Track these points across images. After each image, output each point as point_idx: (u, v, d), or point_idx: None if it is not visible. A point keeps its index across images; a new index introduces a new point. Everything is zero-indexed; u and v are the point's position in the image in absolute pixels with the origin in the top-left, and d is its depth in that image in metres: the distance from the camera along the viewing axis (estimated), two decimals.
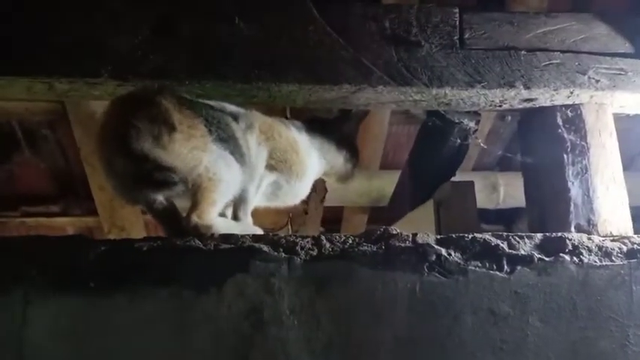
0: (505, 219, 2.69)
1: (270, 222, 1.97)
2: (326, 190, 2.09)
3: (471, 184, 1.49)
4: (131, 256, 1.07)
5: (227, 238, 1.11)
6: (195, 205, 1.09)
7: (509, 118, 2.31)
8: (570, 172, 1.27)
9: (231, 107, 1.20)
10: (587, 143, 1.29)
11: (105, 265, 1.06)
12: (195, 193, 1.09)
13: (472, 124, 1.37)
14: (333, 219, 2.76)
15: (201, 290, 1.05)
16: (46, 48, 1.19)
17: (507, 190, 2.41)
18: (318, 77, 1.24)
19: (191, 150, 1.06)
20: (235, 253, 1.08)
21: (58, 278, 1.04)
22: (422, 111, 1.72)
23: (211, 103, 1.18)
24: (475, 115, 1.37)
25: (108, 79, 1.20)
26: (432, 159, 1.52)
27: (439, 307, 1.07)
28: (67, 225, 2.39)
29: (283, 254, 1.08)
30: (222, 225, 1.13)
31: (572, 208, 1.25)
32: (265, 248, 1.09)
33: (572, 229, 1.23)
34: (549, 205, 1.30)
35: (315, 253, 1.10)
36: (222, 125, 1.13)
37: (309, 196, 2.37)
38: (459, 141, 1.41)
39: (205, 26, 1.24)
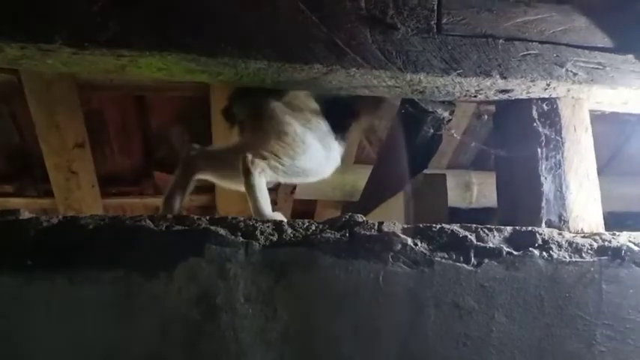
0: (476, 221, 2.65)
1: (238, 210, 1.90)
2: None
3: (443, 176, 1.45)
4: (75, 235, 1.00)
5: (181, 219, 1.04)
6: (261, 146, 1.16)
7: (486, 117, 2.28)
8: (544, 166, 1.24)
9: None
10: (562, 138, 1.26)
11: (46, 243, 0.98)
12: (272, 139, 1.18)
13: (446, 114, 1.32)
14: (305, 213, 2.70)
15: (149, 274, 0.98)
16: None
17: (480, 189, 2.39)
18: (288, 55, 1.17)
19: (289, 123, 1.21)
20: (189, 235, 1.01)
21: None
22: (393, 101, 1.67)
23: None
24: (449, 104, 1.33)
25: (62, 45, 1.12)
26: (404, 149, 1.47)
27: (402, 298, 1.02)
28: (22, 206, 2.25)
29: (241, 238, 1.02)
30: (262, 188, 1.15)
31: (543, 203, 1.22)
32: (222, 232, 1.02)
33: (543, 224, 1.19)
34: (521, 200, 1.27)
35: (275, 238, 1.03)
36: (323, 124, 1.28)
37: (277, 187, 2.30)
38: (431, 131, 1.36)
39: None
